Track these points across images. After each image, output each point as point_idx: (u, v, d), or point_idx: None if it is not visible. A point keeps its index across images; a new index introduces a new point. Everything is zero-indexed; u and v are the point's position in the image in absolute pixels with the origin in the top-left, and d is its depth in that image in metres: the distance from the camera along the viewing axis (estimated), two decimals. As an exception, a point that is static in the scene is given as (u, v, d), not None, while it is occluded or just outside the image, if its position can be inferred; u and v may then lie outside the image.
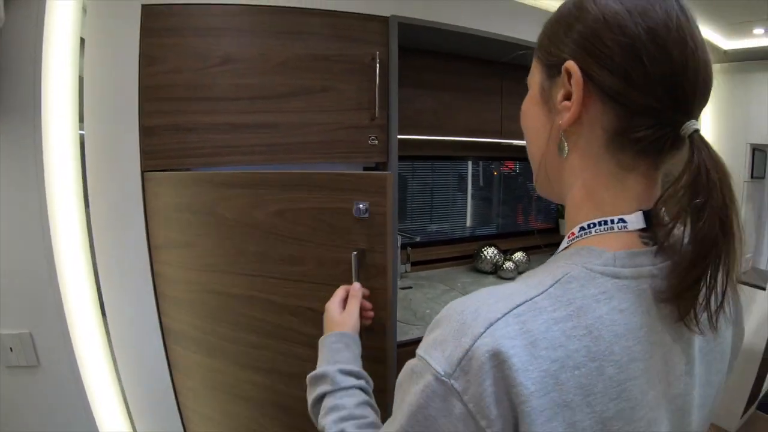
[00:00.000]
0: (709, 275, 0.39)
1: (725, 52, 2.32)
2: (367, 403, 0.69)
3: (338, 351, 0.75)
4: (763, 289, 2.40)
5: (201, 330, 1.17)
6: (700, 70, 0.41)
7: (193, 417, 1.30)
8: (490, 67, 1.94)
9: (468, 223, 2.52)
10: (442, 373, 0.36)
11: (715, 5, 1.84)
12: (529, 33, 1.69)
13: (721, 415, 2.59)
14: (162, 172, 1.20)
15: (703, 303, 0.40)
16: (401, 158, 1.44)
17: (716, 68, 1.83)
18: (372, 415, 0.67)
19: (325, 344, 0.77)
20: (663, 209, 0.42)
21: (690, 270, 0.39)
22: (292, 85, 1.31)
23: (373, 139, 1.39)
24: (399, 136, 1.42)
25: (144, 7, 1.17)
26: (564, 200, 0.49)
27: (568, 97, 0.44)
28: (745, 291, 2.48)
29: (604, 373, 0.37)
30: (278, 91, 1.30)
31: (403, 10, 1.41)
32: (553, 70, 0.46)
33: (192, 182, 1.13)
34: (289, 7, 1.29)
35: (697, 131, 0.41)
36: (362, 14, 1.36)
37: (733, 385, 2.54)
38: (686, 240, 0.40)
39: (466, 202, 2.48)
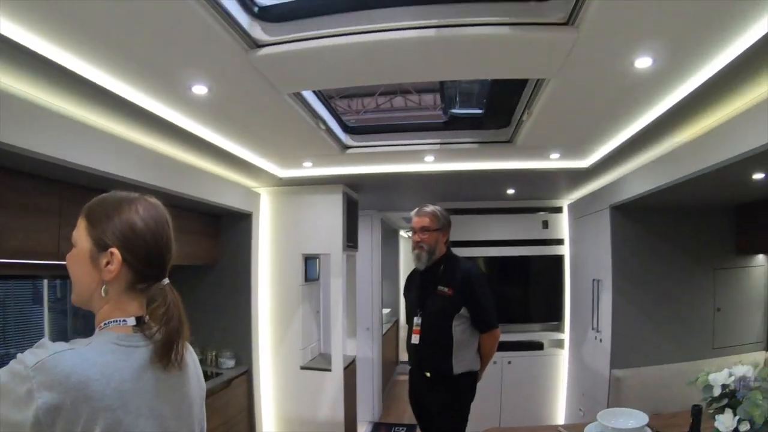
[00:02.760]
0: (175, 347, 0.83)
1: (281, 178, 2.86)
2: None
3: None
4: (330, 370, 2.91)
5: None
6: (169, 254, 0.88)
7: None
8: (48, 186, 1.83)
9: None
10: (30, 366, 0.72)
11: (270, 148, 2.32)
12: (87, 158, 1.71)
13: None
14: None
15: (173, 358, 0.83)
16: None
17: (273, 191, 2.29)
18: None
19: None
20: (147, 317, 0.83)
21: (165, 345, 0.82)
22: None
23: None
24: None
25: None
26: (96, 311, 0.86)
27: (110, 263, 0.82)
28: (316, 375, 2.95)
29: (109, 385, 0.73)
30: None
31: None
32: (101, 247, 0.83)
33: None
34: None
35: (168, 283, 0.87)
36: None
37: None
38: (160, 334, 0.82)
39: (43, 313, 2.56)
